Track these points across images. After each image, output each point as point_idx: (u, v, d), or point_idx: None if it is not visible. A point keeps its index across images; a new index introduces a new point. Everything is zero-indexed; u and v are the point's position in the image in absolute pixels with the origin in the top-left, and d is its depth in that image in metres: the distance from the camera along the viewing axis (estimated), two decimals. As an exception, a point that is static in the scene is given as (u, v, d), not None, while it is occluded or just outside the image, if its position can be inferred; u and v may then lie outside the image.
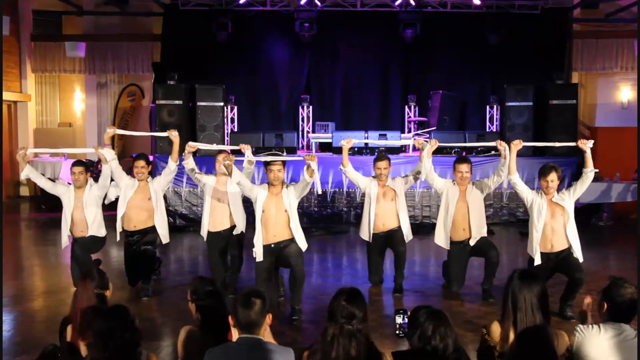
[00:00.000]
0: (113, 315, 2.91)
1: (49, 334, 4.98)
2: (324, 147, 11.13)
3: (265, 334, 3.03)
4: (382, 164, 6.29)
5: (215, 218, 6.15)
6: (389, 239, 6.36)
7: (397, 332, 3.13)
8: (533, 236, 5.54)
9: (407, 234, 6.45)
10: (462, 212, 6.05)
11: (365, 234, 6.41)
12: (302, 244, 5.46)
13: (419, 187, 9.90)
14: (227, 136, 10.97)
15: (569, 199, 5.52)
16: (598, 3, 13.20)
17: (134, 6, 13.70)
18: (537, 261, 5.48)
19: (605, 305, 3.06)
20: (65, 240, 6.31)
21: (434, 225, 9.65)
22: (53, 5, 13.23)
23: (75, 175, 6.19)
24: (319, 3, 11.98)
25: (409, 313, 3.11)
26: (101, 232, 6.24)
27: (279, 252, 5.41)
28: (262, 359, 2.79)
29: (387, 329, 5.08)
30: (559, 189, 5.61)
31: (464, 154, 10.12)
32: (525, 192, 5.61)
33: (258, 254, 5.38)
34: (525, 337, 2.93)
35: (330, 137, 10.71)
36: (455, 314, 5.39)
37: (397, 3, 11.93)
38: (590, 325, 3.06)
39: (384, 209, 6.31)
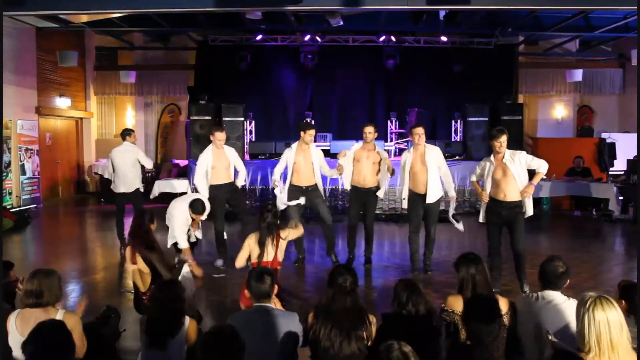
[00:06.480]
0: (166, 287, 2.96)
1: (108, 300, 4.97)
2: (324, 153, 11.07)
3: (277, 304, 3.02)
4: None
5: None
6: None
7: None
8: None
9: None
10: (422, 171, 5.76)
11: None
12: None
13: (399, 185, 9.88)
14: (247, 144, 10.97)
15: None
16: (538, 41, 13.25)
17: (174, 42, 13.76)
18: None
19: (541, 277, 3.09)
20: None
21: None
22: (111, 42, 13.25)
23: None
24: (319, 39, 12.01)
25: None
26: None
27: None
28: (271, 322, 2.79)
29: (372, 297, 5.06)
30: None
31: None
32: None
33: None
34: (474, 302, 2.96)
35: (329, 145, 10.70)
36: (425, 284, 5.39)
37: (381, 39, 11.96)
38: (531, 293, 3.09)
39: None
